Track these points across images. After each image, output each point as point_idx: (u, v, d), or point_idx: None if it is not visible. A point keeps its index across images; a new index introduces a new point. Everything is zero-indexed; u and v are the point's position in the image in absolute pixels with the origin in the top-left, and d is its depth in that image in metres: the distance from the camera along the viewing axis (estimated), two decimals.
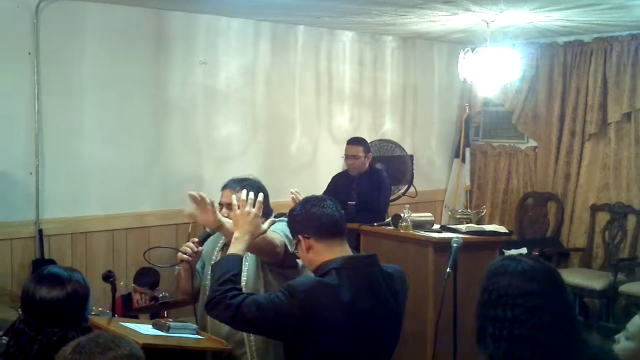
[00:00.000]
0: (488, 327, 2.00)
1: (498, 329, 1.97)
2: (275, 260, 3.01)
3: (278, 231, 2.98)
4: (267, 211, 3.12)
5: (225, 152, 6.22)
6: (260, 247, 2.87)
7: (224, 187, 3.27)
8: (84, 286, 2.33)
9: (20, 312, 2.25)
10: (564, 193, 7.18)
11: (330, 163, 6.79)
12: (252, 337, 3.02)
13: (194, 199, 2.84)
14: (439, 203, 7.91)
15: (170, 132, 5.89)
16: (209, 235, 3.18)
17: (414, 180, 7.05)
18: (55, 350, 2.16)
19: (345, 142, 6.17)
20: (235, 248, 2.66)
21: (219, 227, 2.87)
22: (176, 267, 3.28)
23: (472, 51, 5.79)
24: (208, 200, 2.84)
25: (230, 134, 6.26)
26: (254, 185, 3.19)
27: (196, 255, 3.13)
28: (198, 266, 3.29)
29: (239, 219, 2.72)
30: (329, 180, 6.27)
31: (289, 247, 2.98)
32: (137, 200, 5.71)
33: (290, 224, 2.76)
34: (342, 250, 2.64)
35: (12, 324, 2.28)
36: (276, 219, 2.99)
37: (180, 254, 3.09)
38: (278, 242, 2.95)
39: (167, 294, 4.60)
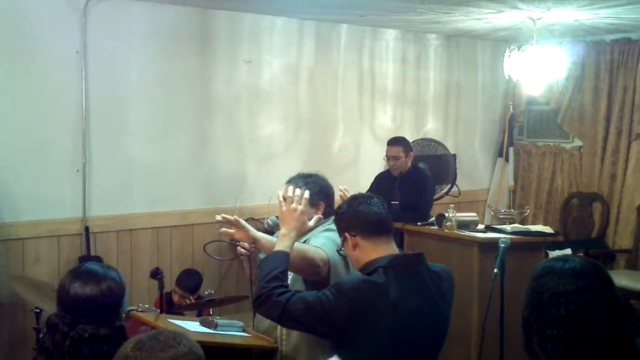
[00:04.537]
0: (545, 329, 1.97)
1: (555, 329, 1.94)
2: (315, 279, 2.88)
3: (322, 247, 2.88)
4: (329, 211, 3.09)
5: (269, 151, 6.24)
6: (293, 264, 2.71)
7: (288, 181, 3.20)
8: (119, 285, 2.30)
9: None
10: (610, 193, 7.07)
11: (372, 162, 6.77)
12: (284, 336, 2.99)
13: (227, 221, 2.79)
14: (481, 203, 7.84)
15: (215, 131, 5.92)
16: (266, 231, 3.17)
17: (457, 179, 7.00)
18: (86, 346, 2.16)
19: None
20: (281, 245, 2.67)
21: (255, 242, 2.81)
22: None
23: (518, 49, 5.74)
24: (241, 220, 2.80)
25: (274, 132, 6.28)
26: (318, 183, 3.16)
27: (255, 249, 3.09)
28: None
29: (286, 216, 2.73)
30: (372, 180, 6.26)
31: (334, 265, 2.87)
32: (182, 198, 5.75)
33: (337, 222, 2.76)
34: (388, 249, 2.64)
35: (47, 319, 2.27)
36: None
37: (239, 248, 3.08)
38: (318, 260, 2.82)
39: (212, 292, 4.62)
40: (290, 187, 2.82)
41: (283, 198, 2.78)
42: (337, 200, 3.14)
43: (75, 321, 2.19)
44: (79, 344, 2.16)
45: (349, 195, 2.99)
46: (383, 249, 2.62)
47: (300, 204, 2.74)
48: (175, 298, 5.13)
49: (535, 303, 2.01)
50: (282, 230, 2.71)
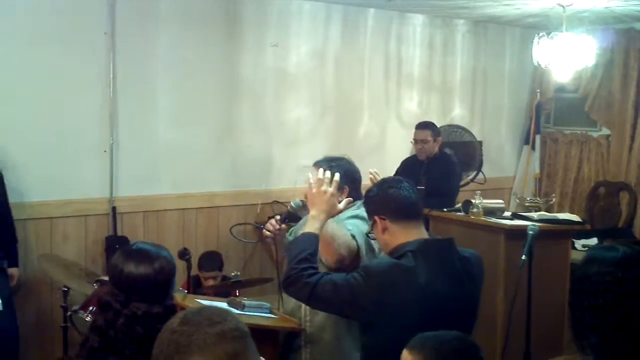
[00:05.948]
0: (586, 317, 1.95)
1: (593, 318, 1.92)
2: (339, 266, 2.87)
3: (348, 234, 2.89)
4: (355, 195, 3.09)
5: (294, 135, 6.24)
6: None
7: (315, 164, 3.20)
8: (170, 263, 2.33)
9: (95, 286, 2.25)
10: (638, 183, 7.00)
11: (398, 147, 6.75)
12: (308, 317, 3.00)
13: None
14: (507, 190, 7.78)
15: (241, 114, 5.92)
16: (289, 214, 3.18)
17: (483, 166, 6.97)
18: (139, 325, 2.18)
19: (414, 127, 6.12)
20: (311, 227, 2.67)
21: None
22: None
23: (547, 36, 5.68)
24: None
25: (300, 116, 6.28)
26: (343, 166, 3.13)
27: (280, 231, 3.11)
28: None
29: (315, 198, 2.73)
30: (397, 165, 6.24)
31: (362, 251, 2.89)
32: (208, 180, 5.77)
33: (366, 205, 2.76)
34: (418, 233, 2.63)
35: (98, 298, 2.29)
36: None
37: (264, 230, 3.10)
38: (343, 249, 2.84)
39: (238, 273, 4.63)
40: (321, 170, 2.82)
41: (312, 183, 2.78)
42: (367, 183, 3.13)
43: (128, 299, 2.22)
44: (132, 322, 2.19)
45: (379, 179, 2.98)
46: (413, 233, 2.61)
47: (330, 187, 2.74)
48: (209, 282, 5.10)
49: (579, 290, 1.99)
50: (312, 212, 2.71)
